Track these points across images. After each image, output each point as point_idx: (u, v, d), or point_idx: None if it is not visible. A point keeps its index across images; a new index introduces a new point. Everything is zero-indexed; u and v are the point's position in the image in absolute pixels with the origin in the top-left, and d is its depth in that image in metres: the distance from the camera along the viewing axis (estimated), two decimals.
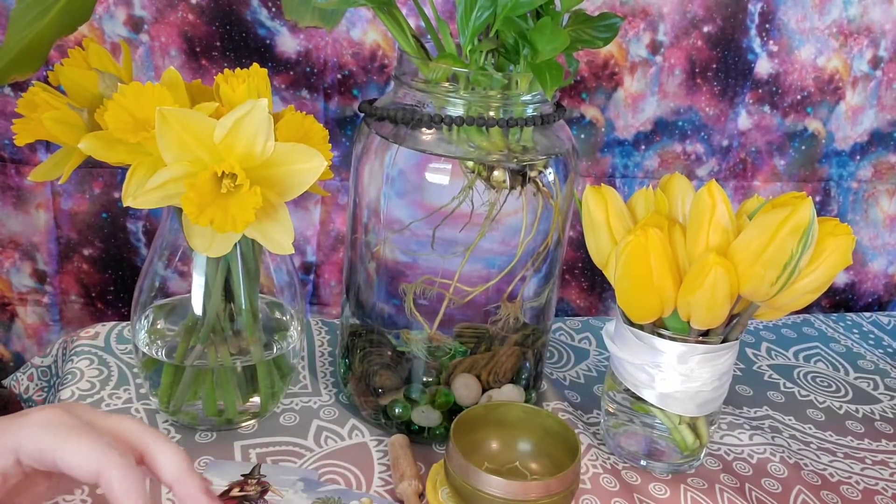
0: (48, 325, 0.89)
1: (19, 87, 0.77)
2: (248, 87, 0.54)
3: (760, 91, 0.94)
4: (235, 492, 0.58)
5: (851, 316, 1.01)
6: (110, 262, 0.87)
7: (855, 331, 0.97)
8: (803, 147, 0.99)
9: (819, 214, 0.55)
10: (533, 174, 0.60)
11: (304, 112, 0.57)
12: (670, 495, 0.64)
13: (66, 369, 0.72)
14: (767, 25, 0.91)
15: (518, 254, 0.62)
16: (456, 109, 0.59)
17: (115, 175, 0.84)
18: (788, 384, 0.83)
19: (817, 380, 0.85)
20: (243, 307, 0.61)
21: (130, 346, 0.75)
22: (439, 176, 0.60)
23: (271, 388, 0.66)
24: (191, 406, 0.64)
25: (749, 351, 0.89)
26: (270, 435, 0.66)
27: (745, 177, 0.99)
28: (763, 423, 0.75)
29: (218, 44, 0.80)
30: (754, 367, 0.86)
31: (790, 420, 0.77)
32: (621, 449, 0.67)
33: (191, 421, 0.65)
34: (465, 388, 0.65)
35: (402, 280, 0.63)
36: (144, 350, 0.64)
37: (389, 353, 0.67)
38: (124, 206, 0.52)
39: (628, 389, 0.64)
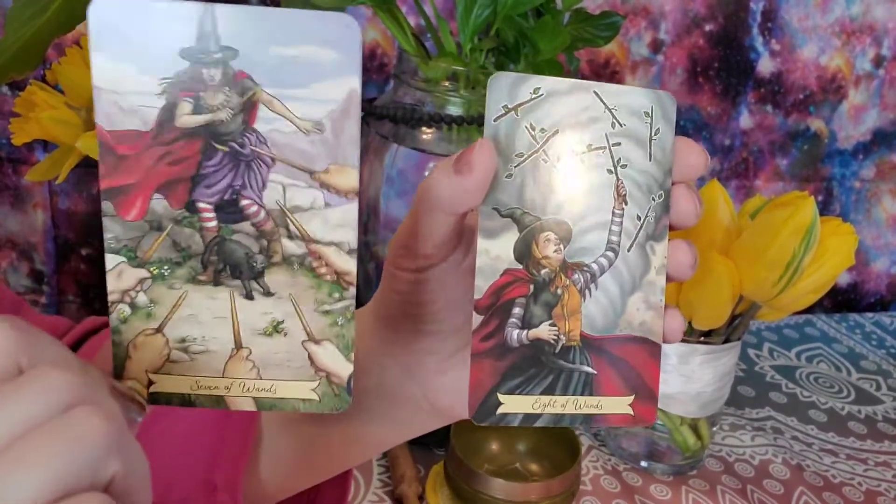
0: None
1: (17, 86, 0.77)
2: None
3: (762, 90, 0.94)
4: None
5: (854, 316, 1.00)
6: None
7: (857, 331, 0.96)
8: (806, 146, 0.98)
9: (821, 214, 0.55)
10: None
11: None
12: (671, 496, 0.63)
13: None
14: (769, 24, 0.90)
15: None
16: (456, 108, 0.59)
17: None
18: (790, 385, 0.83)
19: (820, 380, 0.84)
20: None
21: None
22: None
23: None
24: None
25: (751, 351, 0.89)
26: None
27: (747, 176, 0.98)
28: (765, 425, 0.75)
29: None
30: (756, 368, 0.85)
31: (792, 421, 0.76)
32: (622, 450, 0.67)
33: None
34: None
35: None
36: None
37: None
38: None
39: None
